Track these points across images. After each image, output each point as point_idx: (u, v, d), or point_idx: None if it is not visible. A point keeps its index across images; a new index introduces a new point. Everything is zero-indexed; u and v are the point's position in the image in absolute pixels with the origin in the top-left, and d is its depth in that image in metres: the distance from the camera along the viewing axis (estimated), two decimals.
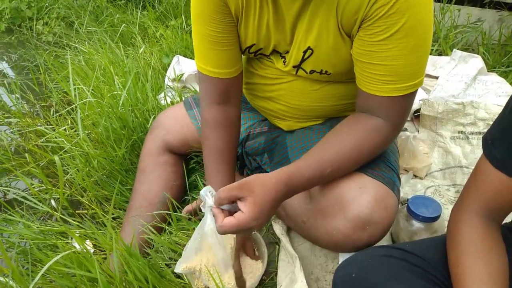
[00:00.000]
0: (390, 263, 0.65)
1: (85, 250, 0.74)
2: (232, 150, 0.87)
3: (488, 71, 1.18)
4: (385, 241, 0.85)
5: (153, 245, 0.93)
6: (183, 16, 2.00)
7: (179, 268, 0.75)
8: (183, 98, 1.38)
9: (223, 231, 0.62)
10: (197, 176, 1.06)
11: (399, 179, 0.81)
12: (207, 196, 0.65)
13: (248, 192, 0.62)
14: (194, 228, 0.91)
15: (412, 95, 0.70)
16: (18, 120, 1.37)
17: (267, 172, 0.92)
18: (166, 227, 0.96)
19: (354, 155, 0.71)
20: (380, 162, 0.78)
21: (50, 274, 0.81)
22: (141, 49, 1.71)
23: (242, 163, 1.04)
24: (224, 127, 0.85)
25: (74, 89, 1.08)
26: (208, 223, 0.69)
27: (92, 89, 1.18)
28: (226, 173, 0.84)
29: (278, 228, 0.90)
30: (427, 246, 0.69)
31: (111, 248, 0.73)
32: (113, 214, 1.03)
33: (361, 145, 0.71)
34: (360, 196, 0.70)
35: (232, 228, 0.61)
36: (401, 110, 0.71)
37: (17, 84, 1.68)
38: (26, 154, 1.10)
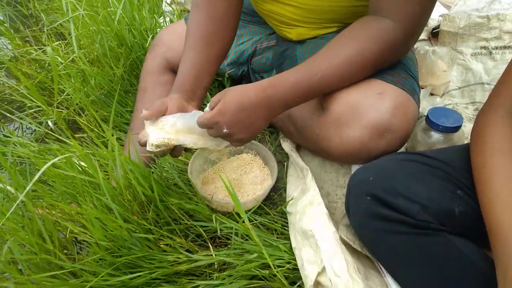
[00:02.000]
0: (410, 166, 0.61)
1: (84, 165, 0.71)
2: (220, 42, 0.79)
3: None
4: None
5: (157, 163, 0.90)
6: None
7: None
8: None
9: (198, 122, 0.64)
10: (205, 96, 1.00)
11: (419, 88, 0.76)
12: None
13: (225, 93, 0.64)
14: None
15: None
16: (8, 42, 1.28)
17: None
18: None
19: (354, 60, 0.64)
20: (399, 69, 0.73)
21: (54, 189, 0.78)
22: None
23: (249, 81, 0.98)
24: (212, 14, 0.77)
25: (66, 3, 0.99)
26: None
27: (85, 6, 1.09)
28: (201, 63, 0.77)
29: (287, 145, 0.87)
30: (448, 152, 0.66)
31: (112, 159, 0.69)
32: (113, 135, 0.98)
33: (363, 49, 0.63)
34: (379, 101, 0.65)
35: (202, 119, 0.63)
36: (415, 11, 0.61)
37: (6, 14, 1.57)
38: (19, 73, 1.03)
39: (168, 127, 0.66)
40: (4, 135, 0.97)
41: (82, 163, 0.71)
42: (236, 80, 1.03)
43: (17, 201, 0.55)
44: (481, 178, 0.56)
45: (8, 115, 1.00)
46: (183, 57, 0.78)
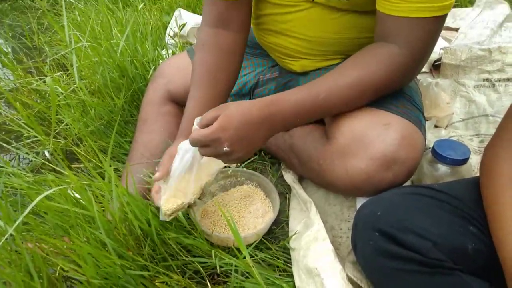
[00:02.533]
0: (419, 200, 0.59)
1: (78, 196, 0.68)
2: (225, 78, 0.78)
3: None
4: None
5: None
6: None
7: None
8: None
9: (192, 139, 0.60)
10: None
11: (425, 119, 0.75)
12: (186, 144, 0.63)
13: (225, 108, 0.60)
14: None
15: (438, 21, 0.60)
16: (10, 72, 1.29)
17: None
18: None
19: (360, 83, 0.63)
20: (404, 100, 0.72)
21: (46, 222, 0.75)
22: (141, 6, 1.62)
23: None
24: (218, 51, 0.77)
25: (69, 35, 1.00)
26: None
27: (88, 38, 1.10)
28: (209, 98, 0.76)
29: (289, 177, 0.84)
30: (457, 186, 0.63)
31: (108, 191, 0.67)
32: (110, 166, 0.96)
33: (370, 72, 0.62)
34: (385, 132, 0.64)
35: (199, 135, 0.59)
36: (423, 37, 0.61)
37: (9, 44, 1.59)
38: (17, 104, 1.02)
39: (173, 184, 0.65)
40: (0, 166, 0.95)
41: (78, 195, 0.68)
42: None
43: (6, 235, 0.52)
44: (494, 214, 0.53)
45: (5, 145, 0.99)
46: (189, 98, 0.78)
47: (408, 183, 0.81)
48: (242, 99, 0.98)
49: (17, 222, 0.53)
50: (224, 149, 0.59)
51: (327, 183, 0.72)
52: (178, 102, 0.97)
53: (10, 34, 2.07)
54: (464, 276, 0.53)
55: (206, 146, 0.60)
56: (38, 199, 0.56)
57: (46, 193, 0.58)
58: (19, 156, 1.07)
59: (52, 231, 0.67)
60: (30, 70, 1.57)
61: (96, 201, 0.64)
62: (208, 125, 0.60)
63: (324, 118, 0.76)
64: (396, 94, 0.72)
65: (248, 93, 0.97)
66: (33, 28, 1.93)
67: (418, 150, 0.65)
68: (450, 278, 0.52)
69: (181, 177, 0.66)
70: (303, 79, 0.86)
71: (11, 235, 0.58)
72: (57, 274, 0.58)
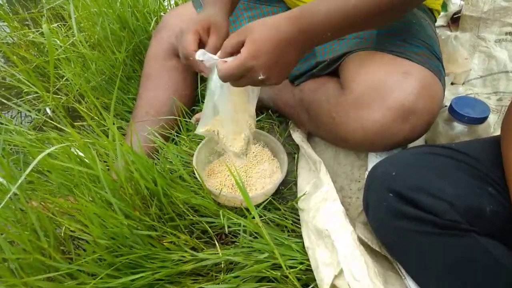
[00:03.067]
0: (435, 160, 0.56)
1: (82, 155, 0.66)
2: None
3: None
4: None
5: (160, 154, 0.85)
6: None
7: (199, 130, 0.67)
8: None
9: (222, 76, 0.54)
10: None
11: (444, 70, 0.70)
12: (205, 54, 0.56)
13: (248, 32, 0.54)
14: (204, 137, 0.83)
15: None
16: (6, 24, 1.22)
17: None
18: (175, 135, 0.87)
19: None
20: (424, 48, 0.67)
21: (50, 181, 0.74)
22: None
23: None
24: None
25: None
26: (214, 80, 0.59)
27: None
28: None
29: (298, 136, 0.81)
30: (476, 145, 0.60)
31: (113, 149, 0.64)
32: (114, 124, 0.94)
33: None
34: (404, 81, 0.60)
35: (230, 69, 0.53)
36: None
37: None
38: (14, 57, 0.98)
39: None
40: (1, 123, 0.92)
41: (81, 154, 0.66)
42: None
43: (9, 194, 0.50)
44: None
45: (5, 101, 0.95)
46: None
47: (421, 142, 0.78)
48: None
49: (20, 180, 0.51)
50: (260, 77, 0.54)
51: (339, 138, 0.68)
52: None
53: None
54: (480, 238, 0.51)
55: (239, 79, 0.55)
56: (40, 156, 0.54)
57: (48, 150, 0.55)
58: (20, 113, 1.04)
59: (56, 190, 0.65)
60: (26, 22, 1.50)
61: (100, 160, 0.62)
62: (232, 54, 0.55)
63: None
64: (416, 41, 0.67)
65: None
66: None
67: (437, 102, 0.62)
68: (465, 239, 0.51)
69: (227, 119, 0.64)
70: None
71: (15, 194, 0.57)
72: (63, 234, 0.57)
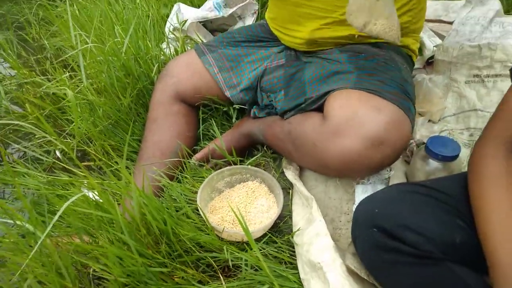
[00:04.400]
0: (413, 197, 0.64)
1: (97, 198, 0.73)
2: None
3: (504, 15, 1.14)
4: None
5: (165, 193, 0.92)
6: None
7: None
8: (186, 48, 1.33)
9: None
10: (210, 125, 1.04)
11: (415, 110, 0.81)
12: None
13: None
14: (206, 176, 0.91)
15: None
16: (15, 72, 1.31)
17: (277, 110, 0.91)
18: (179, 174, 0.95)
19: None
20: (398, 89, 0.78)
21: (64, 220, 0.80)
22: None
23: (255, 99, 1.01)
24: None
25: (75, 35, 1.03)
26: None
27: (93, 38, 1.13)
28: None
29: (290, 174, 0.89)
30: (447, 182, 0.69)
31: (125, 192, 0.72)
32: (127, 167, 1.01)
33: None
34: (376, 115, 0.70)
35: None
36: None
37: (9, 38, 1.60)
38: (27, 105, 1.06)
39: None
40: (13, 166, 0.99)
41: (97, 197, 0.73)
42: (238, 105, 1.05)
43: (39, 242, 0.57)
44: (478, 210, 0.59)
45: (17, 146, 1.03)
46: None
47: (403, 178, 0.87)
48: (252, 92, 1.02)
49: (48, 229, 0.58)
50: None
51: (321, 164, 0.77)
52: (187, 102, 1.01)
53: (5, 26, 2.07)
54: (453, 266, 0.59)
55: None
56: (65, 205, 0.61)
57: (72, 199, 0.63)
58: (30, 156, 1.11)
59: (75, 231, 0.72)
60: (31, 65, 1.59)
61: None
62: None
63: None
64: (391, 82, 0.78)
65: (257, 85, 1.01)
66: (30, 20, 1.93)
67: (404, 135, 0.72)
68: (440, 268, 0.59)
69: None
70: (308, 70, 0.90)
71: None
72: (80, 272, 0.63)
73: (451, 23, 1.17)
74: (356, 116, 0.71)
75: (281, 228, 0.85)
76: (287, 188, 0.92)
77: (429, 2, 1.28)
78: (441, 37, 1.14)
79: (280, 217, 0.86)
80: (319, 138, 0.75)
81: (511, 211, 0.56)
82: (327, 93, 0.81)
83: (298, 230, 0.75)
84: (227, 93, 1.00)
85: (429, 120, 1.01)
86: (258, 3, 1.50)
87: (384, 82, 0.78)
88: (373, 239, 0.61)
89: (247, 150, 1.03)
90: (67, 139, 1.12)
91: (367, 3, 0.66)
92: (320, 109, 0.83)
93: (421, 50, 1.12)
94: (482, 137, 0.64)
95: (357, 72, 0.81)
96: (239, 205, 0.87)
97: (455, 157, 0.78)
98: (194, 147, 1.05)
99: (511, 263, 0.53)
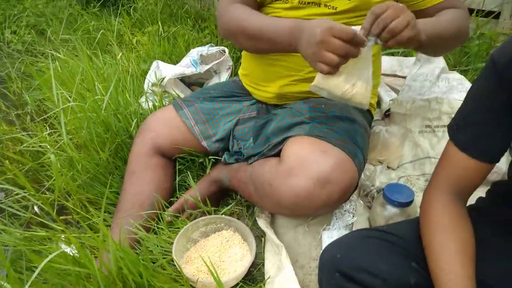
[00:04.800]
0: (372, 242, 0.70)
1: (74, 253, 0.75)
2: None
3: (449, 70, 1.27)
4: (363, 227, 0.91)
5: (142, 245, 0.95)
6: (159, 22, 2.02)
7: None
8: (164, 102, 1.41)
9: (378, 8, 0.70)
10: (186, 176, 1.09)
11: (364, 157, 0.91)
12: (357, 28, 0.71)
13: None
14: (182, 226, 0.94)
15: None
16: None
17: (243, 157, 1.00)
18: (155, 226, 0.98)
19: (453, 20, 0.86)
20: (345, 136, 0.88)
21: (41, 276, 0.82)
22: (119, 56, 1.72)
23: (226, 145, 1.08)
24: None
25: (57, 94, 1.09)
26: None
27: (74, 96, 1.19)
28: None
29: (263, 222, 0.95)
30: (403, 227, 0.75)
31: (102, 246, 0.75)
32: (98, 216, 1.03)
33: (459, 18, 0.87)
34: (322, 157, 0.80)
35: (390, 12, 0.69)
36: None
37: None
38: (6, 161, 1.09)
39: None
40: None
41: (74, 251, 0.76)
42: (214, 154, 1.11)
43: None
44: (429, 255, 0.65)
45: None
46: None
47: (366, 223, 0.93)
48: (226, 141, 1.08)
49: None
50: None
51: (275, 203, 0.84)
52: (165, 155, 1.07)
53: None
54: None
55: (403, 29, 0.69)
56: (43, 263, 0.64)
57: (50, 256, 0.65)
58: (8, 212, 1.12)
59: None
60: (11, 119, 1.62)
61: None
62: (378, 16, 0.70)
63: None
64: (339, 130, 0.89)
65: (229, 134, 1.08)
66: (11, 75, 1.98)
67: (349, 176, 0.81)
68: None
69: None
70: (277, 119, 0.99)
71: None
72: None
73: (404, 77, 1.30)
74: (305, 158, 0.80)
75: (255, 275, 0.89)
76: (260, 236, 0.97)
77: (386, 58, 1.42)
78: (396, 91, 1.27)
79: (254, 265, 0.90)
80: (275, 178, 0.83)
81: (454, 252, 0.62)
82: (284, 139, 0.91)
83: (268, 278, 0.79)
84: (204, 143, 1.07)
85: (388, 167, 1.10)
86: (232, 59, 1.62)
87: (334, 130, 0.89)
88: (336, 283, 0.66)
89: (219, 197, 1.09)
90: (45, 194, 1.14)
91: (350, 63, 0.72)
92: (279, 154, 0.91)
93: (379, 103, 1.23)
94: (429, 185, 0.71)
95: (312, 123, 0.92)
96: (214, 254, 0.91)
97: (409, 202, 0.85)
98: (171, 199, 1.09)
99: None
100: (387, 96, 1.22)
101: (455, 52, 1.52)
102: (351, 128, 0.91)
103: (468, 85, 1.15)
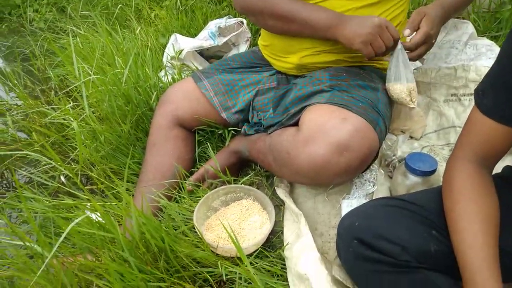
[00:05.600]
0: (391, 210, 0.69)
1: (99, 218, 0.78)
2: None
3: (478, 37, 1.21)
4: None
5: (164, 213, 0.97)
6: None
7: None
8: (183, 75, 1.41)
9: (414, 44, 0.88)
10: (206, 147, 1.09)
11: (386, 126, 0.89)
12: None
13: (425, 11, 0.90)
14: (202, 195, 0.96)
15: None
16: (21, 102, 1.39)
17: (263, 127, 0.99)
18: (177, 195, 1.00)
19: None
20: (366, 104, 0.85)
21: (69, 240, 0.85)
22: (138, 30, 1.72)
23: (246, 117, 1.08)
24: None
25: (78, 68, 1.10)
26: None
27: (95, 70, 1.20)
28: None
29: (282, 192, 0.95)
30: (424, 196, 0.74)
31: (126, 213, 0.77)
32: (122, 186, 1.06)
33: None
34: (341, 124, 0.78)
35: (420, 36, 0.87)
36: None
37: (16, 70, 1.69)
38: (33, 133, 1.12)
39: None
40: (18, 192, 1.05)
41: (100, 218, 0.78)
42: (234, 126, 1.11)
43: (46, 261, 0.62)
44: (450, 222, 0.64)
45: (24, 173, 1.09)
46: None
47: (386, 193, 0.92)
48: (246, 113, 1.08)
49: (54, 249, 0.63)
50: (433, 41, 0.90)
51: (294, 171, 0.84)
52: (185, 126, 1.08)
53: (12, 58, 2.16)
54: (428, 273, 0.64)
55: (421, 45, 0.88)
56: (70, 226, 0.66)
57: (76, 220, 0.68)
58: (36, 181, 1.17)
59: (79, 251, 0.77)
60: (36, 95, 1.67)
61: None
62: (415, 29, 0.89)
63: None
64: (361, 98, 0.86)
65: (249, 106, 1.07)
66: (35, 52, 2.02)
67: (369, 144, 0.79)
68: (417, 275, 0.64)
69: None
70: (297, 88, 0.97)
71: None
72: None
73: None
74: (324, 125, 0.79)
75: (274, 243, 0.90)
76: (279, 205, 0.98)
77: None
78: (422, 60, 1.22)
79: (273, 233, 0.91)
80: (293, 146, 0.82)
81: (476, 219, 0.61)
82: (303, 108, 0.90)
83: (287, 244, 0.80)
84: (223, 115, 1.07)
85: (411, 137, 1.07)
86: (251, 30, 1.59)
87: (355, 98, 0.86)
88: (354, 251, 0.66)
89: (239, 168, 1.09)
90: (71, 164, 1.18)
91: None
92: (297, 124, 0.90)
93: None
94: (453, 154, 0.70)
95: (332, 91, 0.90)
96: (234, 222, 0.92)
97: (432, 171, 0.83)
98: (192, 169, 1.10)
99: (478, 265, 0.58)
100: (411, 66, 1.17)
101: (485, 18, 1.44)
102: (374, 96, 0.89)
103: (498, 51, 1.09)
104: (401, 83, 0.88)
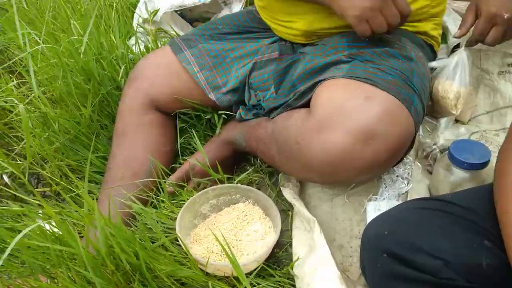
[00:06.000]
0: (429, 215, 0.70)
1: (55, 229, 0.78)
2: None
3: None
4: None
5: (138, 221, 0.98)
6: None
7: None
8: (159, 43, 1.40)
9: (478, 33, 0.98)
10: (191, 137, 1.10)
11: (423, 106, 0.87)
12: None
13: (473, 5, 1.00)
14: (187, 199, 0.96)
15: None
16: None
17: (264, 111, 0.99)
18: (154, 198, 1.01)
19: None
20: (398, 78, 0.83)
21: (16, 257, 0.86)
22: None
23: (241, 98, 1.08)
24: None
25: (22, 34, 1.10)
26: None
27: (44, 37, 1.20)
28: None
29: (289, 192, 0.95)
30: (471, 196, 0.75)
31: (89, 222, 0.77)
32: (82, 187, 1.07)
33: None
34: (366, 105, 0.77)
35: (482, 23, 0.96)
36: None
37: None
38: None
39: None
40: None
41: (55, 228, 0.79)
42: (226, 109, 1.11)
43: None
44: (505, 226, 0.64)
45: None
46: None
47: (425, 192, 0.93)
48: (241, 94, 1.08)
49: None
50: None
51: (305, 165, 0.82)
52: (162, 110, 1.08)
53: None
54: None
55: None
56: (16, 239, 0.67)
57: (24, 231, 0.68)
58: None
59: (29, 271, 0.78)
60: None
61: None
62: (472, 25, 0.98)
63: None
64: (391, 70, 0.85)
65: (244, 83, 1.07)
66: None
67: (402, 129, 0.77)
68: None
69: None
70: (306, 59, 0.96)
71: None
72: None
73: None
74: (342, 107, 0.77)
75: (280, 258, 0.91)
76: (287, 210, 0.98)
77: None
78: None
79: (279, 245, 0.91)
80: (302, 134, 0.81)
81: None
82: (315, 84, 0.88)
83: (297, 259, 0.81)
84: (212, 96, 1.06)
85: (457, 121, 1.07)
86: None
87: (382, 70, 0.84)
88: (382, 267, 0.67)
89: (233, 163, 1.10)
90: (16, 160, 1.19)
91: None
92: (307, 105, 0.89)
93: (445, 37, 1.18)
94: (506, 141, 0.70)
95: (353, 61, 0.88)
96: (229, 232, 0.93)
97: (484, 164, 0.84)
98: (173, 165, 1.11)
99: None
100: (455, 26, 1.17)
101: None
102: (407, 67, 0.88)
103: None
104: (452, 84, 0.90)
